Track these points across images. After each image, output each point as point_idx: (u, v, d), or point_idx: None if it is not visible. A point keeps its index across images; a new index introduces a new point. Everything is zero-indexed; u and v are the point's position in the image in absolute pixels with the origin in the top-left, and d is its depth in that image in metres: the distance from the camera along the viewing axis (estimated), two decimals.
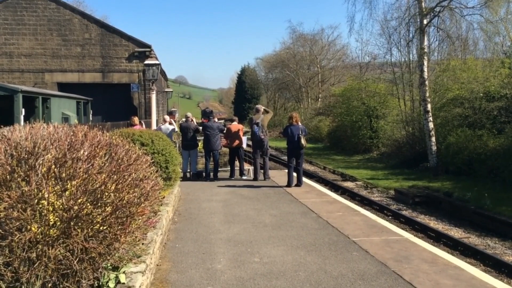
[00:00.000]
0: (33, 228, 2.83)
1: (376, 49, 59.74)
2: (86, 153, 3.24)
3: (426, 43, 17.98)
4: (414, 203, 12.75)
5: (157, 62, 13.75)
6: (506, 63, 18.32)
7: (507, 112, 16.04)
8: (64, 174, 3.04)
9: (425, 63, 17.62)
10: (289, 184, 10.18)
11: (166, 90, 37.29)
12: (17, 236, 2.78)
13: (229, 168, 11.93)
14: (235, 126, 11.46)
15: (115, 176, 3.27)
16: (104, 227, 3.11)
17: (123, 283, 3.47)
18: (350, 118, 26.84)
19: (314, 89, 47.48)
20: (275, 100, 56.09)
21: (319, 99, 45.35)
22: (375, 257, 5.11)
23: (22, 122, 12.29)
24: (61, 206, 2.93)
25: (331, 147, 29.94)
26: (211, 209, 7.89)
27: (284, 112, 49.22)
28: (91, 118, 21.49)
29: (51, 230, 2.90)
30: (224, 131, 11.54)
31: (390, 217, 11.03)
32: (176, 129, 13.49)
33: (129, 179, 3.41)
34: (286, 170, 11.20)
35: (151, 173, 4.06)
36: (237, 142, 11.31)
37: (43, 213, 2.89)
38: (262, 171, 11.24)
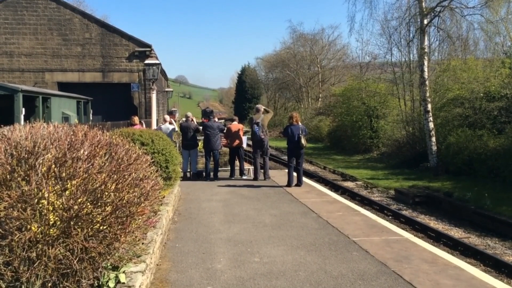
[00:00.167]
0: (33, 228, 2.83)
1: (377, 49, 60.03)
2: (86, 152, 3.24)
3: (426, 43, 17.97)
4: (414, 203, 12.76)
5: (157, 61, 13.73)
6: (507, 63, 18.34)
7: (507, 112, 16.03)
8: (64, 174, 3.04)
9: (426, 63, 17.62)
10: (289, 184, 10.18)
11: (166, 89, 37.33)
12: (17, 236, 2.78)
13: (229, 168, 11.94)
14: (235, 125, 11.46)
15: (115, 176, 3.27)
16: (104, 227, 3.11)
17: (123, 283, 3.47)
18: (350, 118, 26.83)
19: (315, 89, 47.46)
20: (275, 100, 56.06)
21: (319, 99, 45.35)
22: (375, 257, 5.11)
23: (22, 122, 12.29)
24: (61, 206, 2.93)
25: (331, 147, 29.94)
26: (211, 209, 7.89)
27: (284, 112, 49.17)
28: (91, 118, 21.47)
29: (51, 230, 2.89)
30: (224, 131, 11.54)
31: (390, 217, 11.03)
32: (176, 129, 13.50)
33: (129, 178, 3.40)
34: (286, 170, 11.20)
35: (151, 172, 4.06)
36: (237, 141, 11.31)
37: (43, 213, 2.89)
38: (262, 171, 11.25)
